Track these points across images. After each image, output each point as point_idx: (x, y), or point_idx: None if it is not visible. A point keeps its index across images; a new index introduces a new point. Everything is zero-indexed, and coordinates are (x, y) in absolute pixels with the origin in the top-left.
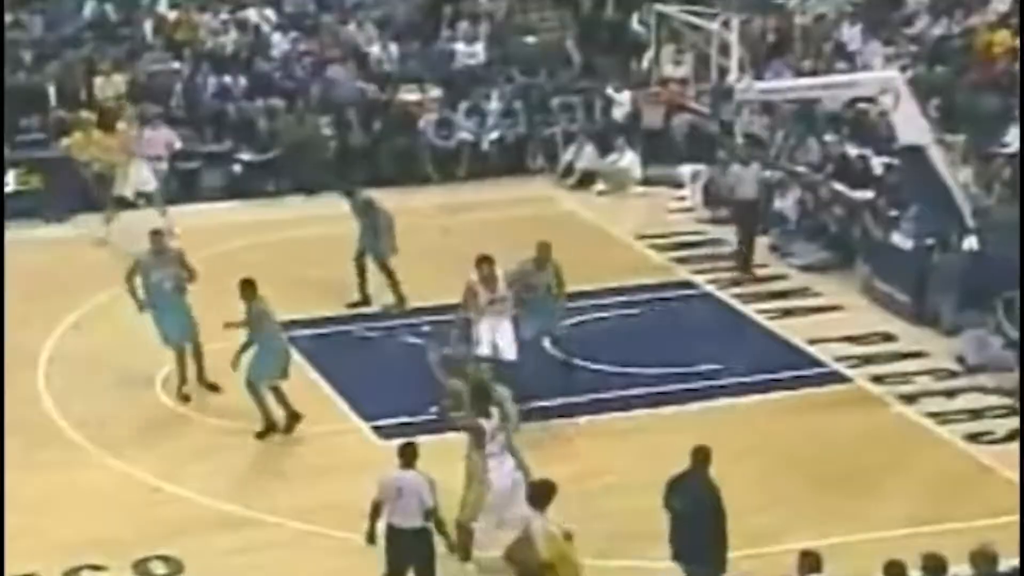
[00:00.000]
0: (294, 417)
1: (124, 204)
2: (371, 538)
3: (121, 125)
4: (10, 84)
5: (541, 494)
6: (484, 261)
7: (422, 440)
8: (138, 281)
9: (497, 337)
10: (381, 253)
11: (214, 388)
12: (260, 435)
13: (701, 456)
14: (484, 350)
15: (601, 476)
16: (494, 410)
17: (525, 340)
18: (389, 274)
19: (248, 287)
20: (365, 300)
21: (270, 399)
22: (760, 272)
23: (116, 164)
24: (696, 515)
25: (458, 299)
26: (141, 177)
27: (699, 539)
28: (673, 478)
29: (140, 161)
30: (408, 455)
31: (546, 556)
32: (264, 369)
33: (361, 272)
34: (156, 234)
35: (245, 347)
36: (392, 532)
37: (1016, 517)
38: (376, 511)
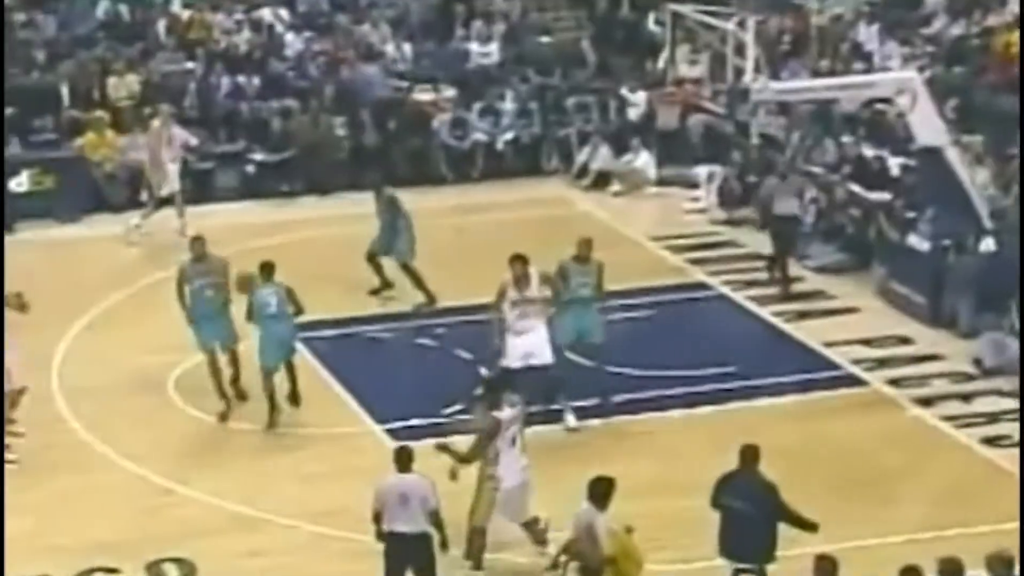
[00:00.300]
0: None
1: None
2: (382, 536)
3: (155, 123)
4: (24, 84)
5: (601, 491)
6: (516, 260)
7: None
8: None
9: (529, 343)
10: (401, 253)
11: (243, 397)
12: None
13: (750, 454)
14: (514, 363)
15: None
16: (507, 406)
17: (562, 344)
18: (412, 274)
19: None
20: (386, 286)
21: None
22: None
23: (146, 164)
24: (750, 513)
25: (472, 300)
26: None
27: (754, 536)
28: (723, 477)
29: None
30: (404, 459)
31: (608, 552)
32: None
33: (378, 268)
34: (197, 240)
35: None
36: (394, 538)
37: None
38: (379, 519)
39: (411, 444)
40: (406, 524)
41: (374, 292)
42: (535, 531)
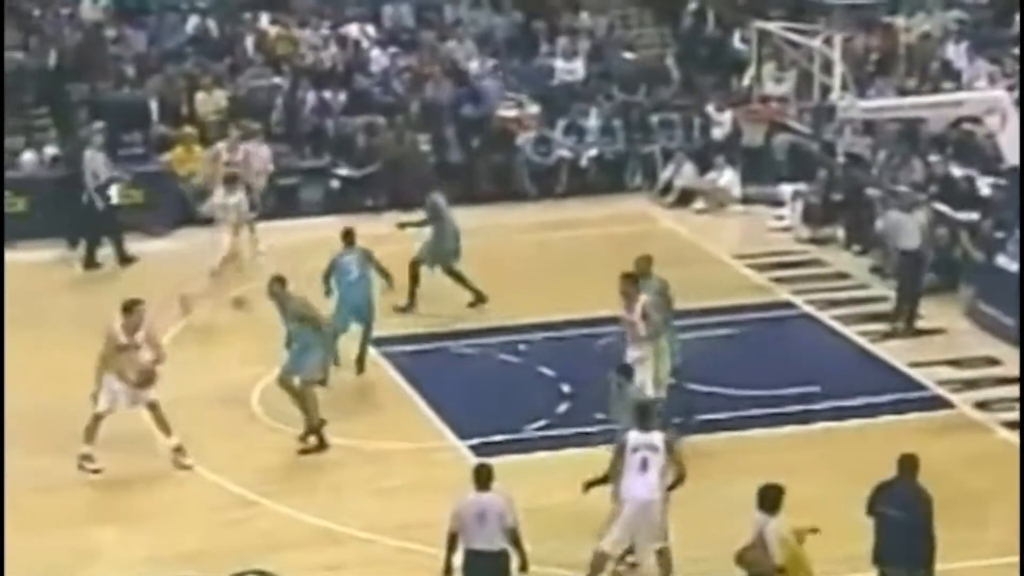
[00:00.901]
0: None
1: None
2: (448, 571)
3: (220, 145)
4: (113, 99)
5: (772, 498)
6: (622, 277)
7: (516, 459)
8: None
9: (639, 374)
10: (445, 260)
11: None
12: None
13: (910, 464)
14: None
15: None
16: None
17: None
18: (458, 278)
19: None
20: (412, 304)
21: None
22: (861, 293)
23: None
24: (908, 521)
25: (555, 317)
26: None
27: (908, 545)
28: (880, 485)
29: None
30: (484, 477)
31: (779, 560)
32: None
33: (414, 278)
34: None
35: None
36: (473, 556)
37: None
38: (454, 541)
39: (490, 461)
40: (484, 542)
41: (401, 310)
42: (662, 560)
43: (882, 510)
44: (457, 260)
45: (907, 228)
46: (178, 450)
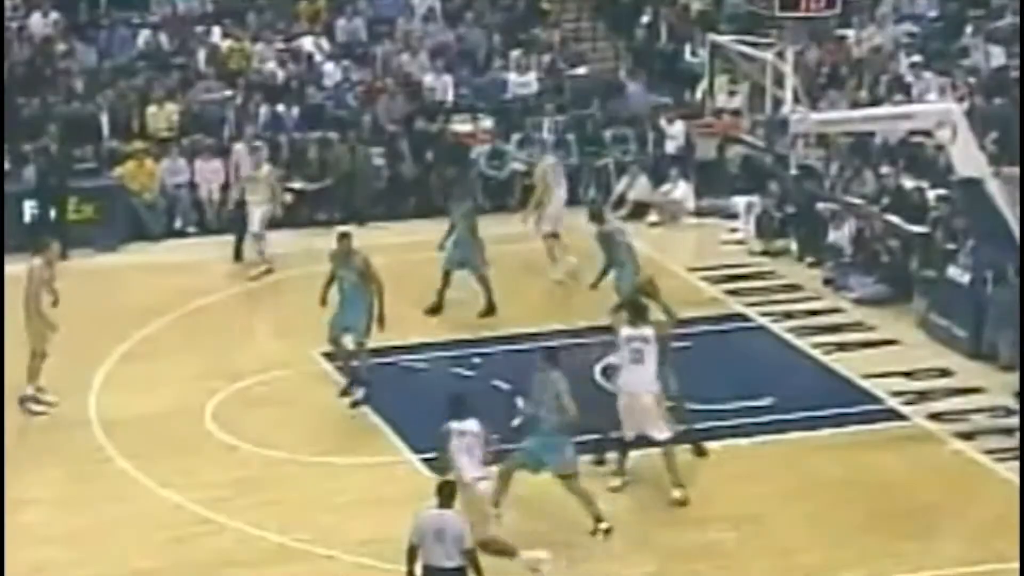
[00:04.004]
0: None
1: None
2: (411, 574)
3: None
4: (64, 113)
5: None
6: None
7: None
8: None
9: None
10: (476, 266)
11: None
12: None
13: None
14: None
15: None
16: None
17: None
18: (486, 284)
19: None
20: (440, 307)
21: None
22: (815, 305)
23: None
24: None
25: (508, 331)
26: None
27: None
28: None
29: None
30: (447, 493)
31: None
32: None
33: (445, 282)
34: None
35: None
36: (429, 571)
37: None
38: (414, 554)
39: (453, 479)
40: (440, 559)
41: (430, 312)
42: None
43: None
44: (486, 267)
45: None
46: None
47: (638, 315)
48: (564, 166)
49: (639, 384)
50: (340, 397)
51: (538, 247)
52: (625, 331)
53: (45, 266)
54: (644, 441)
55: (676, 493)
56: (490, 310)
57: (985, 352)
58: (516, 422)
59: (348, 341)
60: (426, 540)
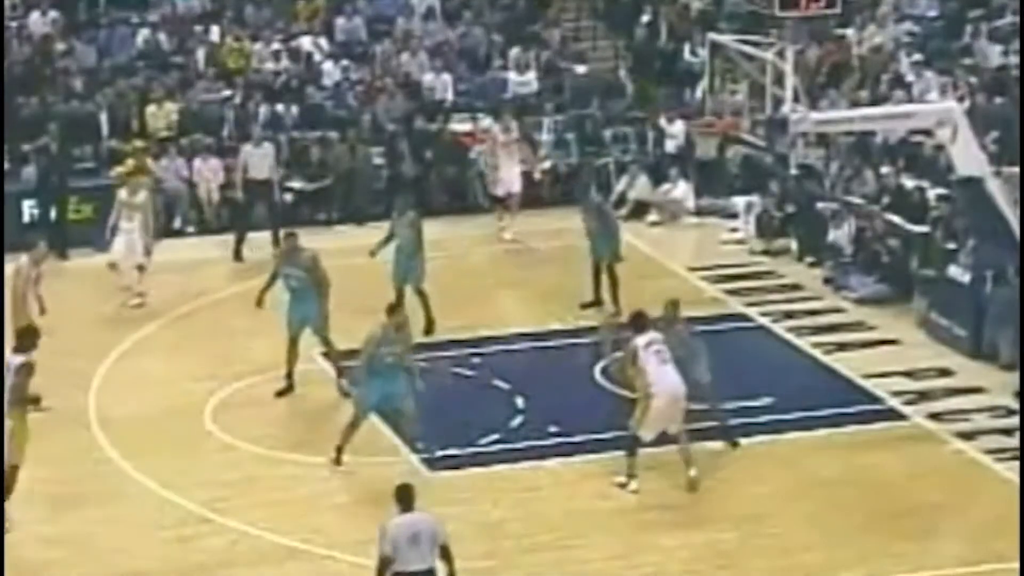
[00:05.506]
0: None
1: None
2: None
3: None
4: (63, 113)
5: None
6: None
7: (472, 472)
8: None
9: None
10: (416, 279)
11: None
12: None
13: None
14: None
15: (648, 511)
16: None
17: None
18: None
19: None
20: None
21: None
22: (815, 305)
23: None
24: None
25: (509, 330)
26: None
27: None
28: None
29: None
30: (408, 497)
31: None
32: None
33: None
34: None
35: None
36: None
37: None
38: (387, 565)
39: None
40: (417, 563)
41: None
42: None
43: None
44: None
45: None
46: None
47: (643, 323)
48: (565, 165)
49: (678, 385)
50: (343, 398)
51: (538, 247)
52: (639, 339)
53: (32, 264)
54: (657, 441)
55: (692, 472)
56: (430, 326)
57: (985, 352)
58: (515, 422)
59: (308, 333)
60: (400, 549)
